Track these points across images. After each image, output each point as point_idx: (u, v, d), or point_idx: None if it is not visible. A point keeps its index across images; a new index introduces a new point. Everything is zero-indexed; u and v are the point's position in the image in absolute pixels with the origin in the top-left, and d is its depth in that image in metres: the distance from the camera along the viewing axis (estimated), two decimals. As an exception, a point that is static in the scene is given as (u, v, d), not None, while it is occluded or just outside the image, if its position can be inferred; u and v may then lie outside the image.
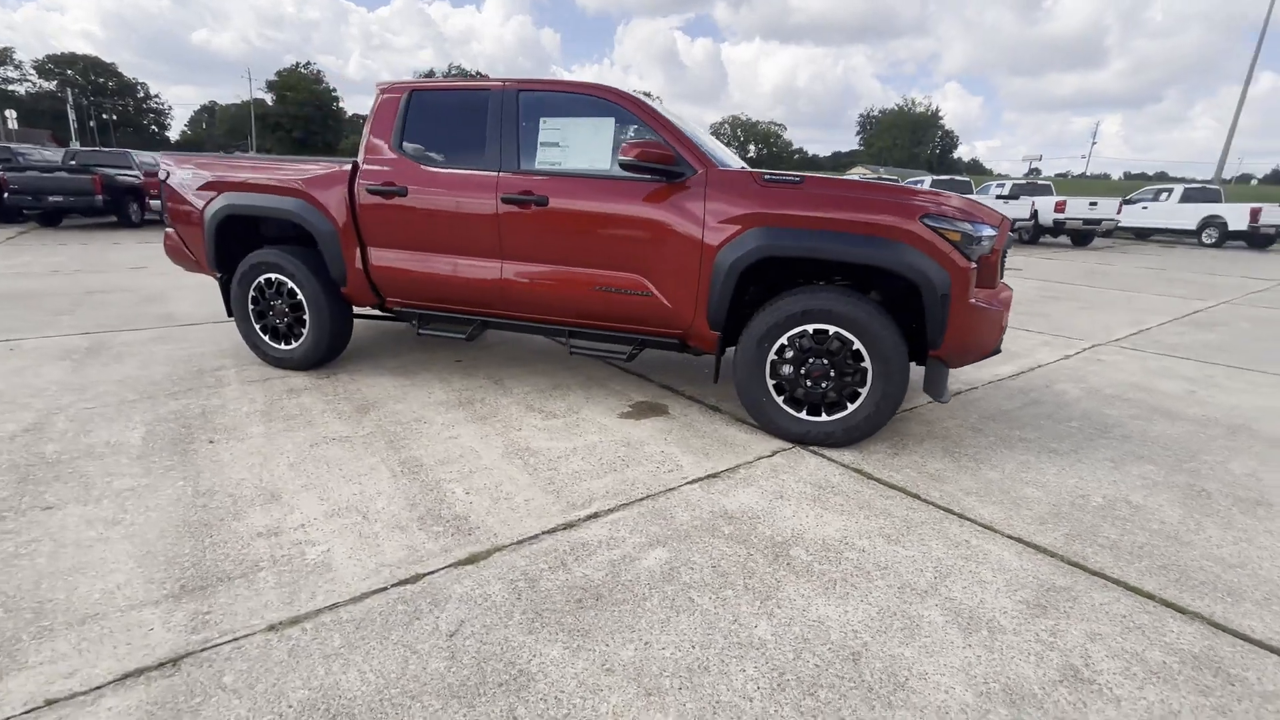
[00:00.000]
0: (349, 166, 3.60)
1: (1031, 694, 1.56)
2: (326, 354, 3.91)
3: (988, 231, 2.78)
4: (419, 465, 2.70)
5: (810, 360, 2.94)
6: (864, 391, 2.90)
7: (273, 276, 3.81)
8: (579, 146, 3.30)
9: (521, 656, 1.64)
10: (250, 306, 3.92)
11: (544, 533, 2.22)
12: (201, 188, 3.90)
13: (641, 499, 2.48)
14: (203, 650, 1.62)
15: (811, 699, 1.53)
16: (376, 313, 4.12)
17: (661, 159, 2.93)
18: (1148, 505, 2.55)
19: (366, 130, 3.61)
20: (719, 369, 3.26)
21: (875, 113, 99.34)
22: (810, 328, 2.90)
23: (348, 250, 3.63)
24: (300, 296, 3.78)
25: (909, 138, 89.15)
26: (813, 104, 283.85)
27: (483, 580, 1.94)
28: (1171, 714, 1.51)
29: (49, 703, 1.45)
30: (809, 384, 2.97)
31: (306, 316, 3.81)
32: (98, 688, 1.49)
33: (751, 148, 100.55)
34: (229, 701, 1.47)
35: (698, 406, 3.54)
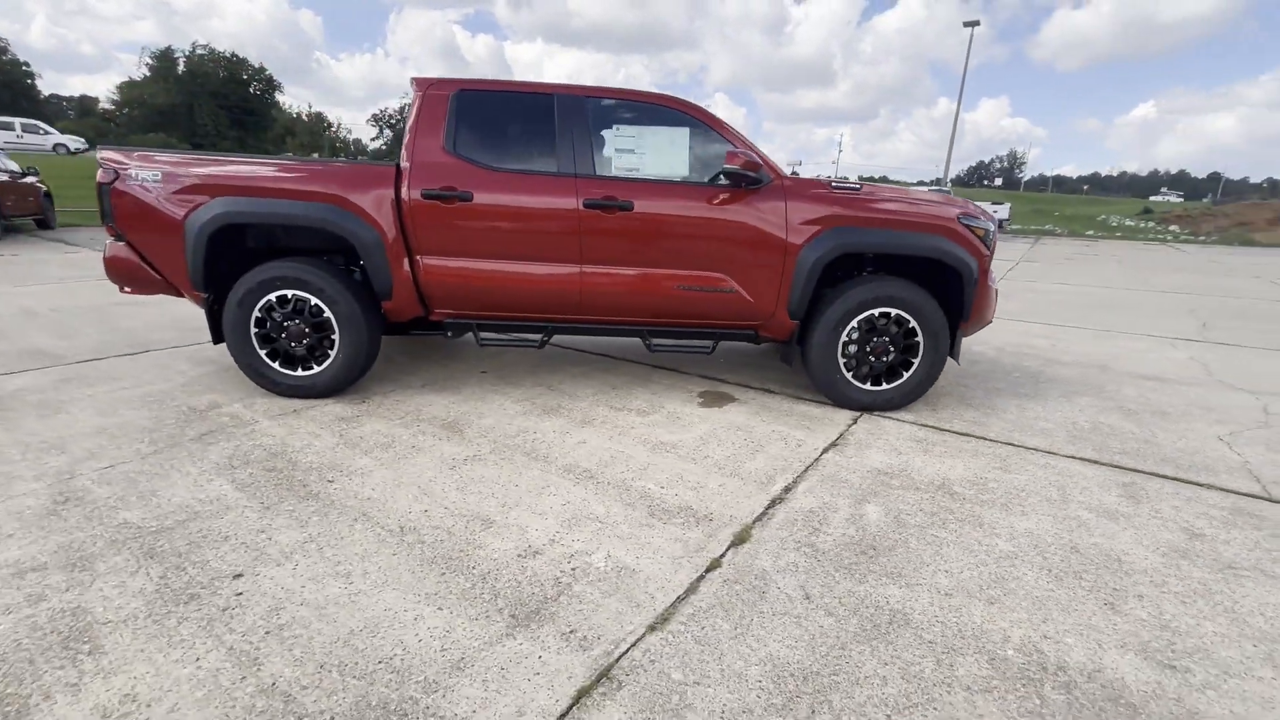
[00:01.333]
0: (390, 169, 3.31)
1: (1182, 549, 2.24)
2: (357, 376, 3.52)
3: (994, 228, 3.57)
4: (586, 472, 2.70)
5: (874, 339, 3.49)
6: (916, 362, 3.53)
7: (288, 294, 3.33)
8: (655, 154, 3.45)
9: (876, 598, 1.90)
10: (253, 330, 3.37)
11: (768, 507, 2.45)
12: (181, 191, 3.25)
13: (805, 470, 2.80)
14: (618, 662, 1.62)
15: (1077, 581, 2.03)
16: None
17: (754, 167, 3.24)
18: (1114, 424, 3.53)
19: (413, 129, 3.34)
20: (798, 354, 3.65)
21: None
22: (876, 311, 3.44)
23: (395, 260, 3.33)
24: (328, 314, 3.36)
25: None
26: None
27: (774, 552, 2.14)
28: (1253, 544, 2.30)
29: (536, 739, 1.38)
30: (874, 359, 3.52)
31: (336, 336, 3.40)
32: None
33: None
34: (704, 692, 1.53)
35: (753, 391, 3.91)
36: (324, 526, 2.21)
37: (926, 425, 3.41)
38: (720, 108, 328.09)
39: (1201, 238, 29.04)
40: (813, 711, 1.48)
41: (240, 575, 1.92)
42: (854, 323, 3.46)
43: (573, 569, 2.01)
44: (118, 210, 3.28)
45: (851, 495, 2.57)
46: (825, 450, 3.03)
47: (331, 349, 3.42)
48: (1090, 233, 29.82)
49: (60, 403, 3.27)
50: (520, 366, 4.28)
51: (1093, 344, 5.59)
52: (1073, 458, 3.04)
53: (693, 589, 1.93)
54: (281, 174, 3.28)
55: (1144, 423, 3.56)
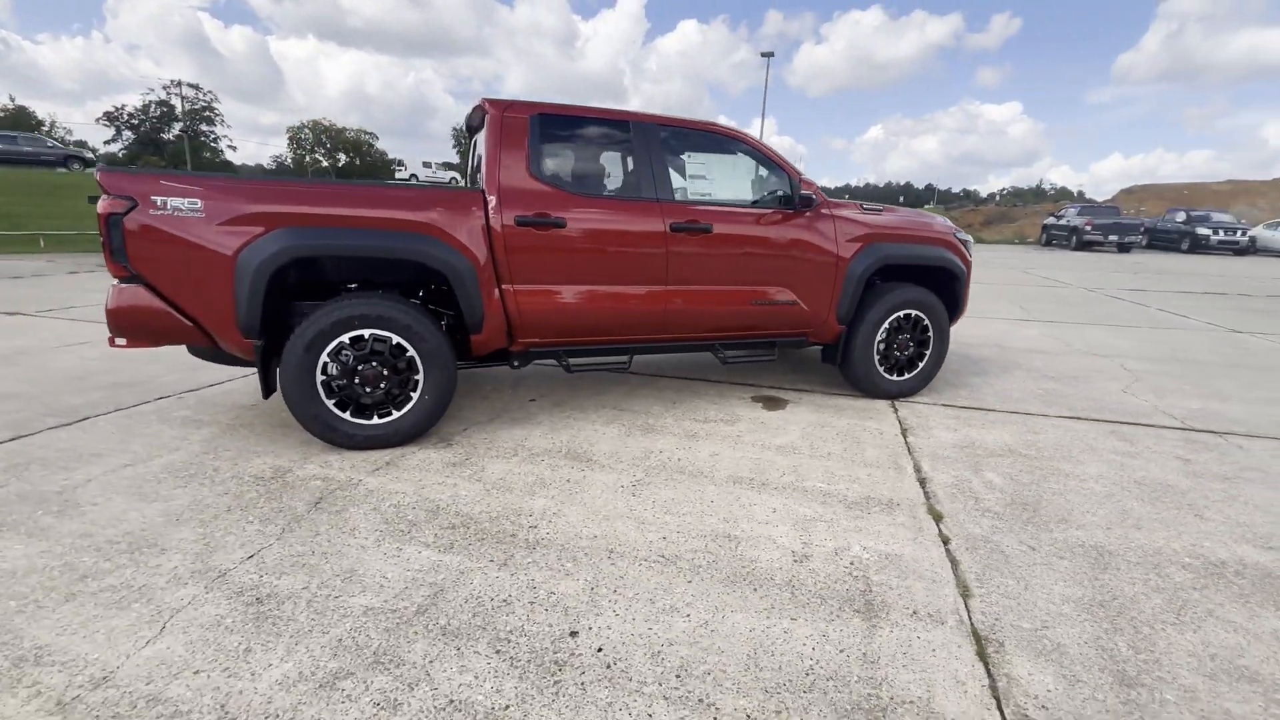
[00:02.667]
0: (478, 194, 3.13)
1: (1188, 471, 3.10)
2: (438, 419, 3.24)
3: (970, 239, 4.40)
4: (752, 481, 2.87)
5: (899, 336, 4.11)
6: (928, 354, 4.22)
7: (366, 334, 2.97)
8: (723, 180, 3.69)
9: (1073, 541, 2.39)
10: (319, 377, 2.94)
11: (923, 487, 2.85)
12: (231, 222, 2.73)
13: (909, 453, 3.26)
14: (976, 625, 1.89)
15: (1164, 504, 2.73)
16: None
17: (815, 190, 3.64)
18: (1055, 389, 4.55)
19: (493, 153, 3.17)
20: (842, 353, 4.11)
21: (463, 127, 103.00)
22: (902, 313, 4.05)
23: (486, 290, 3.15)
24: (412, 353, 3.06)
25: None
26: (389, 112, 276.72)
27: (972, 521, 2.53)
28: (1220, 460, 3.24)
29: None
30: (898, 354, 4.13)
31: (420, 376, 3.10)
32: None
33: (342, 156, 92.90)
34: (1057, 631, 1.86)
35: (789, 391, 4.31)
36: (592, 570, 2.12)
37: (942, 405, 4.09)
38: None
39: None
40: (1121, 626, 1.90)
41: (576, 633, 1.82)
42: (886, 324, 4.03)
43: (850, 563, 2.21)
44: (135, 247, 2.66)
45: (965, 467, 3.08)
46: (903, 435, 3.53)
47: (414, 391, 3.11)
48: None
49: (64, 495, 2.56)
50: (560, 391, 4.20)
51: (974, 327, 6.94)
52: (1061, 417, 3.90)
53: (955, 560, 2.25)
54: (363, 201, 2.92)
55: (1073, 385, 4.64)
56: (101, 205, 2.64)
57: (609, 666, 1.69)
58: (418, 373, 3.09)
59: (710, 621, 1.88)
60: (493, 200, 3.13)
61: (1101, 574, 2.18)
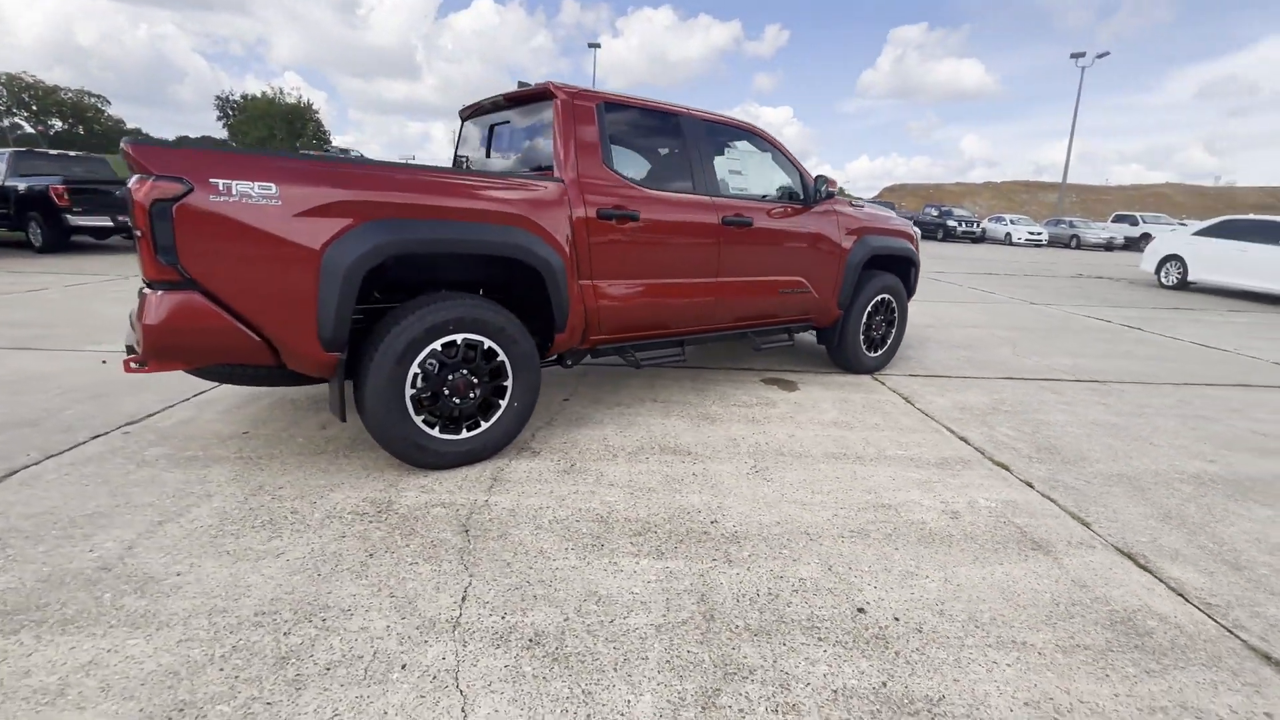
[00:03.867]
0: (558, 184, 2.93)
1: (1179, 414, 4.04)
2: (521, 428, 3.00)
3: (918, 233, 5.12)
4: (846, 455, 3.12)
5: (875, 318, 4.67)
6: (894, 332, 4.85)
7: (458, 339, 2.65)
8: (753, 175, 3.85)
9: (1136, 470, 3.04)
10: (409, 391, 2.58)
11: (968, 444, 3.35)
12: (313, 213, 2.25)
13: (932, 417, 3.78)
14: (1116, 545, 2.36)
15: (1185, 437, 3.56)
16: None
17: (831, 185, 3.98)
18: (1004, 358, 5.51)
19: (567, 142, 2.98)
20: (839, 335, 4.52)
21: (233, 96, 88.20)
22: (879, 298, 4.61)
23: (571, 287, 2.98)
24: (503, 357, 2.80)
25: (286, 129, 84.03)
26: (114, 71, 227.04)
27: (1032, 466, 3.07)
28: (1180, 401, 4.26)
29: None
30: (875, 334, 4.70)
31: (509, 382, 2.85)
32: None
33: (56, 122, 73.80)
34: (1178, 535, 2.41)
35: (790, 373, 4.66)
36: (810, 552, 2.22)
37: (909, 375, 4.76)
38: (295, 87, 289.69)
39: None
40: (1194, 529, 2.52)
41: (863, 609, 1.92)
42: (869, 308, 4.56)
43: (989, 513, 2.58)
44: (191, 243, 2.09)
45: (979, 424, 3.67)
46: (910, 403, 4.06)
47: (502, 399, 2.85)
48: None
49: (117, 570, 1.96)
50: (582, 388, 4.08)
51: (963, 312, 7.98)
52: (997, 378, 4.77)
53: (1051, 499, 2.74)
54: (459, 190, 2.58)
55: (979, 352, 5.65)
56: (141, 189, 2.02)
57: (920, 631, 1.83)
58: (507, 378, 2.84)
59: (949, 579, 2.11)
60: (573, 192, 2.96)
61: (1145, 495, 2.82)
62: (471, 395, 2.74)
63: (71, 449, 2.83)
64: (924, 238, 29.53)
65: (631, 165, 3.31)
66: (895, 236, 4.62)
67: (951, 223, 28.30)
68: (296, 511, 2.37)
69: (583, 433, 3.27)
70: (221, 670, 1.56)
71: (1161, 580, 2.15)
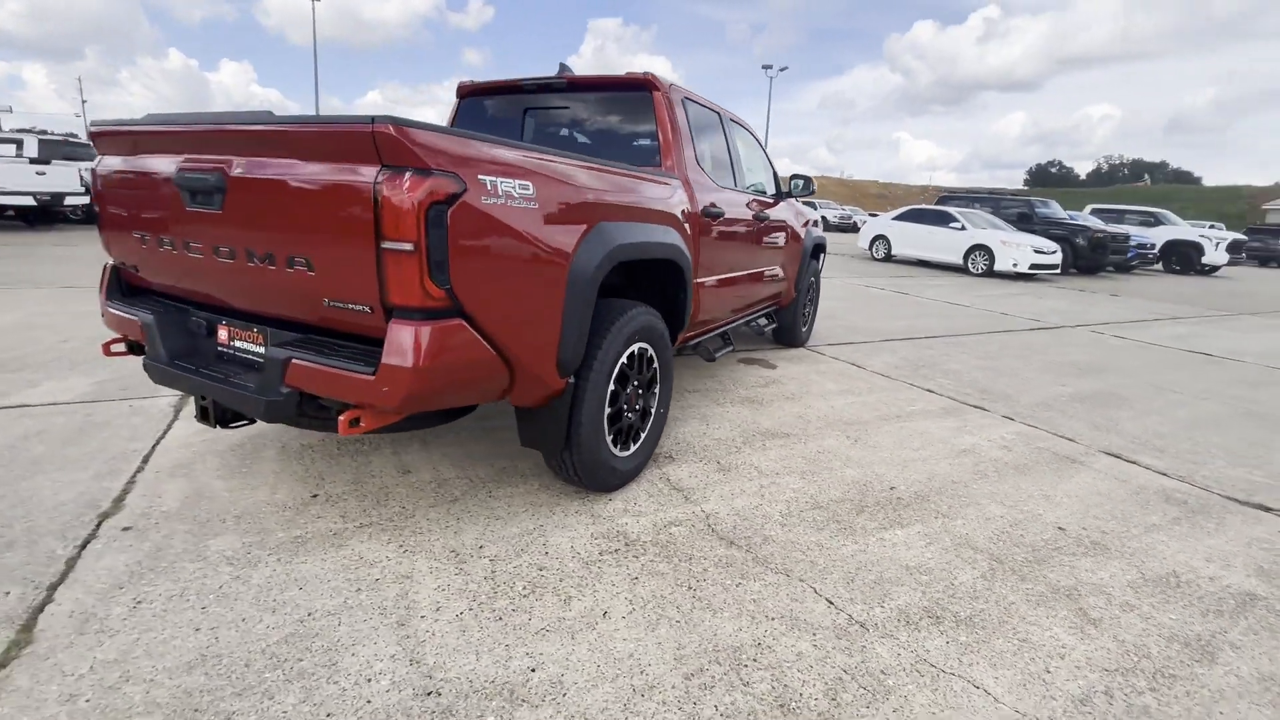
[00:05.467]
0: (677, 182, 2.86)
1: (1009, 368, 5.43)
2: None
3: (810, 222, 5.96)
4: (892, 417, 3.70)
5: (807, 295, 5.40)
6: (814, 309, 5.65)
7: (636, 349, 2.49)
8: (756, 170, 4.12)
9: (1113, 417, 4.18)
10: (608, 410, 2.35)
11: (959, 393, 4.23)
12: (561, 217, 1.89)
13: (899, 378, 4.62)
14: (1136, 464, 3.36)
15: (1019, 369, 4.87)
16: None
17: (805, 179, 4.49)
18: (853, 323, 6.67)
19: (678, 138, 2.89)
20: (794, 316, 5.07)
21: None
22: (811, 278, 5.34)
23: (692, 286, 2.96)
24: (656, 365, 2.69)
25: None
26: None
27: (1027, 407, 4.04)
28: (977, 347, 5.72)
29: None
30: (805, 313, 5.44)
31: (659, 389, 2.75)
32: None
33: None
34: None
35: (753, 353, 5.11)
36: (988, 490, 2.71)
37: (827, 345, 5.63)
38: None
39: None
40: (1183, 433, 3.70)
41: (1065, 524, 2.48)
42: (808, 291, 5.26)
43: (1019, 440, 3.40)
44: (461, 258, 1.64)
45: (924, 378, 4.61)
46: (861, 368, 4.86)
47: (652, 407, 2.74)
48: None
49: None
50: (609, 388, 3.96)
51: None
52: (887, 340, 5.93)
53: (1033, 425, 3.70)
54: (639, 187, 2.37)
55: (845, 320, 6.85)
56: (411, 188, 1.51)
57: (1083, 524, 2.46)
58: (657, 385, 2.73)
59: (1051, 487, 2.80)
60: (686, 189, 2.92)
61: (1066, 413, 3.98)
62: (637, 407, 2.59)
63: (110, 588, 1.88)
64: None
65: (706, 162, 3.34)
66: (815, 227, 5.38)
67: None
68: (542, 568, 2.02)
69: (675, 432, 3.26)
70: (750, 737, 1.41)
71: (1129, 461, 3.17)
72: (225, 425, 2.15)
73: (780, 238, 4.40)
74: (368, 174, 1.53)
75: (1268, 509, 2.76)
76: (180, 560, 1.96)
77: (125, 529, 2.12)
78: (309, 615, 1.74)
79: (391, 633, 1.70)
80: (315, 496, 2.40)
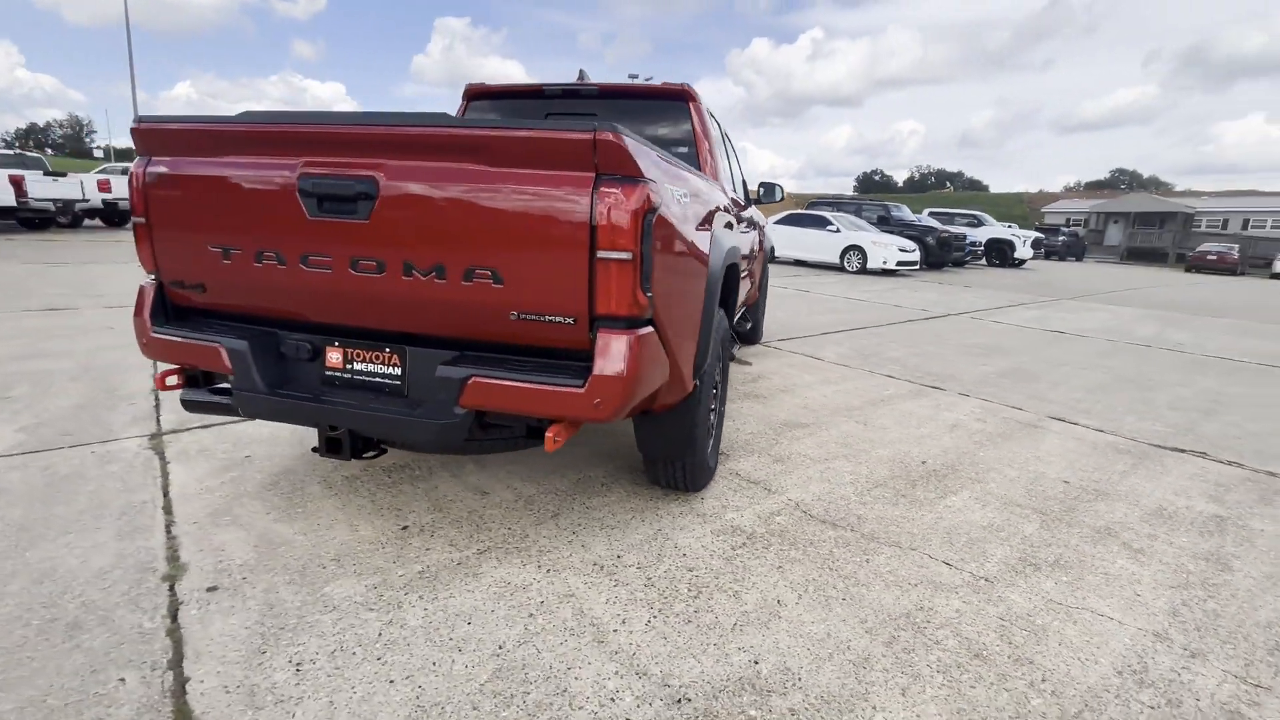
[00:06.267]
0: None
1: (920, 352, 6.12)
2: (709, 431, 3.00)
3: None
4: (890, 398, 4.09)
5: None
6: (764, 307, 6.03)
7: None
8: (737, 176, 4.34)
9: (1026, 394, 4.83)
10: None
11: (914, 375, 4.73)
12: (705, 220, 1.95)
13: (853, 366, 5.07)
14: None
15: (952, 349, 5.55)
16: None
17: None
18: (791, 320, 7.15)
19: (714, 149, 3.01)
20: (756, 315, 5.35)
21: None
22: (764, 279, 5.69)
23: (732, 288, 3.10)
24: (722, 364, 2.80)
25: None
26: None
27: (975, 384, 4.61)
28: (912, 333, 6.42)
29: None
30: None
31: (718, 389, 2.86)
32: None
33: None
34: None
35: (714, 351, 5.34)
36: (993, 456, 3.12)
37: (779, 339, 6.03)
38: None
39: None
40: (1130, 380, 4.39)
41: (1067, 478, 2.94)
42: (764, 290, 5.60)
43: (985, 413, 3.93)
44: (657, 266, 1.66)
45: (877, 366, 5.13)
46: (819, 359, 5.29)
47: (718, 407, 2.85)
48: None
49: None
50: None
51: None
52: (826, 334, 6.46)
53: (985, 400, 4.28)
54: (717, 194, 2.45)
55: (771, 316, 7.34)
56: (633, 198, 1.49)
57: (1069, 479, 2.96)
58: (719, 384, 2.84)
59: (1039, 447, 3.31)
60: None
61: (1002, 388, 4.65)
62: (713, 407, 2.68)
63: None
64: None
65: (724, 171, 3.48)
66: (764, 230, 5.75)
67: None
68: (691, 569, 2.06)
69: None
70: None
71: (1071, 423, 3.82)
72: (358, 456, 1.93)
73: (757, 241, 4.67)
74: (583, 183, 1.50)
75: (1182, 450, 3.47)
76: (307, 613, 1.75)
77: (211, 589, 1.83)
78: (500, 648, 1.65)
79: (596, 650, 1.66)
80: (406, 529, 2.22)
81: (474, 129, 1.55)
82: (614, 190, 1.50)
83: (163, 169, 1.81)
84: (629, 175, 1.53)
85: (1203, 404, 4.46)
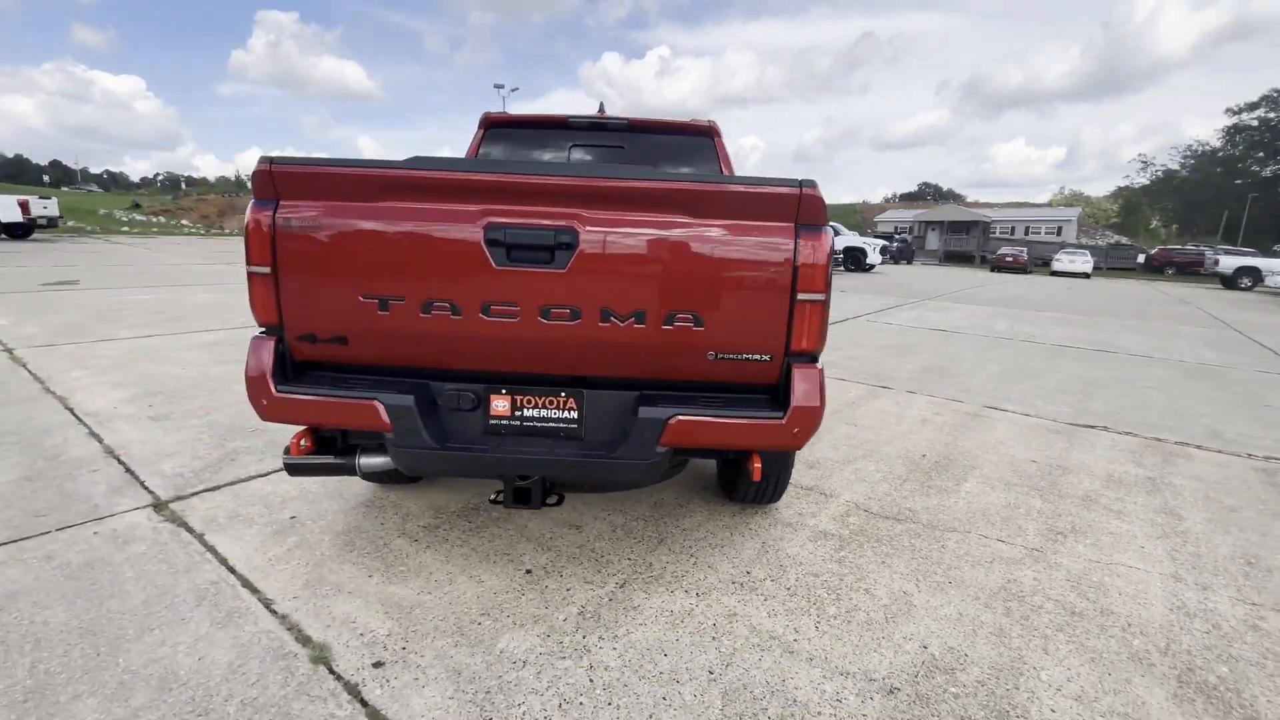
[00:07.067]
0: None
1: (893, 345, 6.76)
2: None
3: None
4: (849, 402, 4.54)
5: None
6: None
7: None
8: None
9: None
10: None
11: (866, 374, 5.27)
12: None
13: (839, 373, 5.53)
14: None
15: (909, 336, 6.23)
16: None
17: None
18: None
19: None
20: None
21: None
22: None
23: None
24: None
25: None
26: None
27: (917, 379, 5.22)
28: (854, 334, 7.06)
29: None
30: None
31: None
32: None
33: None
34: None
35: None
36: (951, 439, 3.64)
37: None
38: None
39: (193, 228, 32.80)
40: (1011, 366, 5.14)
41: (1035, 464, 3.52)
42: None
43: (970, 412, 4.53)
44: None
45: (841, 367, 5.65)
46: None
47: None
48: (126, 229, 28.43)
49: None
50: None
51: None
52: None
53: (958, 400, 4.92)
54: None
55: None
56: (825, 244, 1.66)
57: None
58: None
59: (993, 434, 3.92)
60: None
61: (953, 378, 5.35)
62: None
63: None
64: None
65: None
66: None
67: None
68: (816, 574, 2.24)
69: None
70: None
71: (1003, 410, 4.55)
72: (542, 505, 1.86)
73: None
74: (788, 232, 1.64)
75: (1092, 426, 4.27)
76: (501, 673, 1.70)
77: (376, 664, 1.71)
78: (711, 673, 1.73)
79: (793, 660, 1.79)
80: (529, 572, 2.18)
81: (682, 183, 1.62)
82: (813, 238, 1.66)
83: (302, 215, 1.65)
84: (819, 224, 1.69)
85: (1078, 386, 5.46)
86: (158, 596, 1.96)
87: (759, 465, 1.79)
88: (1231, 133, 62.17)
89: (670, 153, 3.34)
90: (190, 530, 2.38)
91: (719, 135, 3.32)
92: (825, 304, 1.72)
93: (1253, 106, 59.78)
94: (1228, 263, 24.47)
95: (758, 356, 1.74)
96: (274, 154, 1.67)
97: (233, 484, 2.78)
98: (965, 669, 1.79)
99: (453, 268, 1.65)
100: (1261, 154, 60.26)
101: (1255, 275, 22.80)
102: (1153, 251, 35.75)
